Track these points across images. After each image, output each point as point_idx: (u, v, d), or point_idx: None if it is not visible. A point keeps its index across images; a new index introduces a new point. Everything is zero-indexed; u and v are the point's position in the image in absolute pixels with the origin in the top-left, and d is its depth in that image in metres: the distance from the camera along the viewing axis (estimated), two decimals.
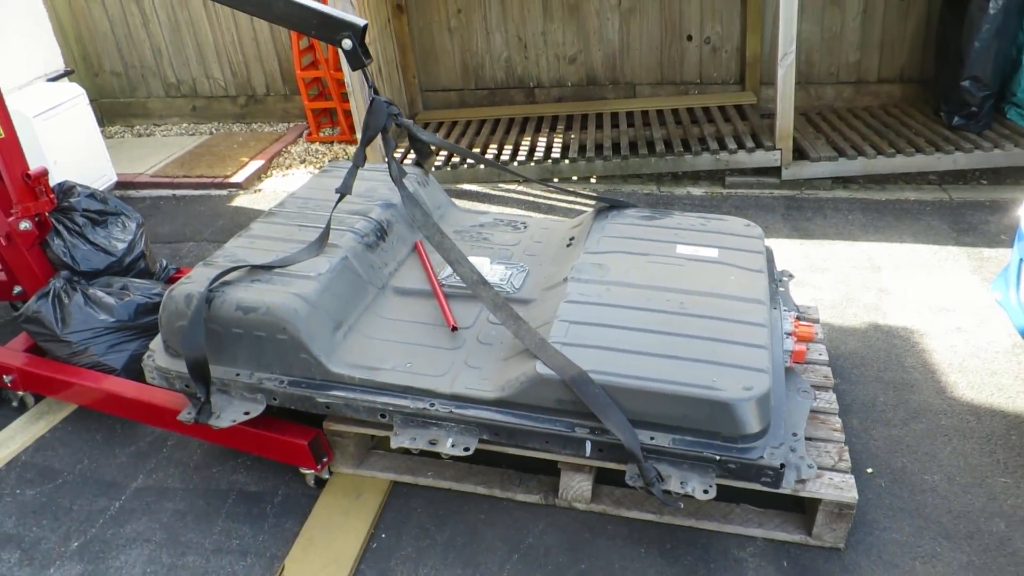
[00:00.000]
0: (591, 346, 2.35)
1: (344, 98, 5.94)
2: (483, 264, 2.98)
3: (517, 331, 2.43)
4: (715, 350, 2.32)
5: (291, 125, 6.59)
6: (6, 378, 3.11)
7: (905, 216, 4.36)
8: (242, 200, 5.26)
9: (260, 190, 5.43)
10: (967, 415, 2.88)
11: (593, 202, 3.28)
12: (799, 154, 4.91)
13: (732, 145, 4.95)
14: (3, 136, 3.07)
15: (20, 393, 3.20)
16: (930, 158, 4.69)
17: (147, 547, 2.55)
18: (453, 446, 2.37)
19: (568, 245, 3.11)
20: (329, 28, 2.58)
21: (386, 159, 2.78)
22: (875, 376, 3.11)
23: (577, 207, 4.72)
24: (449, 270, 2.93)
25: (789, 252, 4.05)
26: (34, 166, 3.22)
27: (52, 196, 3.28)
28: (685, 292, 2.58)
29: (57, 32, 5.73)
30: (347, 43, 2.59)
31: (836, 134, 5.12)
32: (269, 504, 2.69)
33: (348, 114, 6.07)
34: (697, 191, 4.90)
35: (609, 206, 3.23)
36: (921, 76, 5.51)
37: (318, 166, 5.76)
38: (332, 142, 6.21)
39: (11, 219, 3.17)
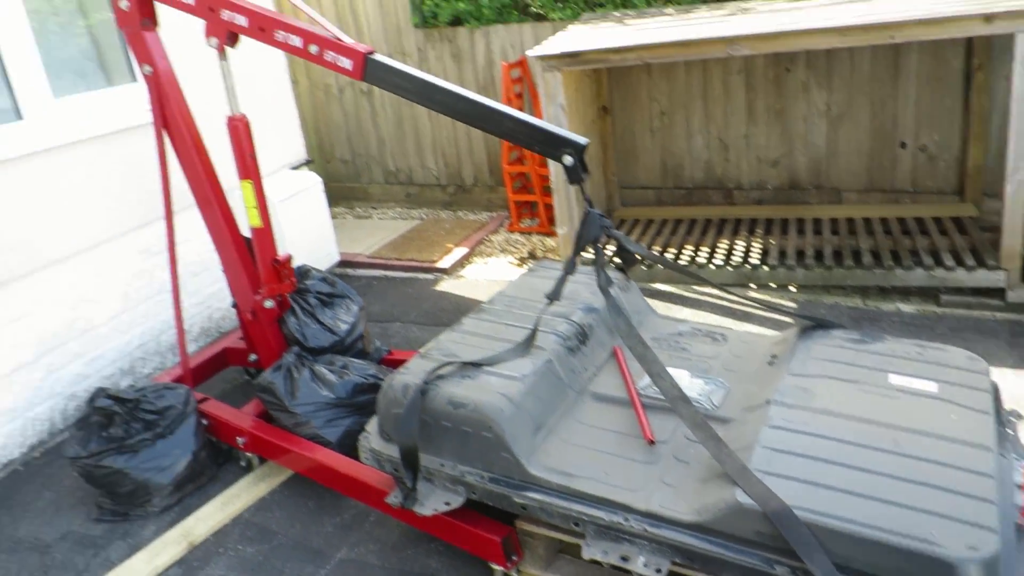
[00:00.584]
0: (796, 479, 2.29)
1: (545, 192, 6.24)
2: (682, 377, 2.99)
3: (717, 454, 2.41)
4: (934, 499, 2.17)
5: (494, 214, 6.98)
6: (239, 440, 3.48)
7: None
8: (446, 285, 5.60)
9: (463, 276, 5.76)
10: None
11: (789, 311, 3.22)
12: None
13: (949, 261, 4.67)
14: (261, 226, 3.50)
15: (248, 455, 3.56)
16: None
17: None
18: (646, 565, 2.36)
19: (770, 363, 3.05)
20: (552, 145, 2.76)
21: (596, 268, 2.89)
22: None
23: (776, 318, 4.61)
24: (647, 379, 2.97)
25: (1015, 386, 3.72)
26: (287, 252, 3.64)
27: (294, 280, 3.69)
28: (899, 429, 2.46)
29: (301, 125, 6.47)
30: (568, 160, 2.75)
31: None
32: None
33: (548, 207, 6.34)
34: (908, 308, 4.64)
35: (815, 324, 3.16)
36: None
37: (517, 256, 6.04)
38: (531, 233, 6.50)
39: (258, 298, 3.59)
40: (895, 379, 2.74)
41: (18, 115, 3.97)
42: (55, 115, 4.08)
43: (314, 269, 3.99)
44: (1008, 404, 3.37)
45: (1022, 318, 4.38)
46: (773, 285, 5.07)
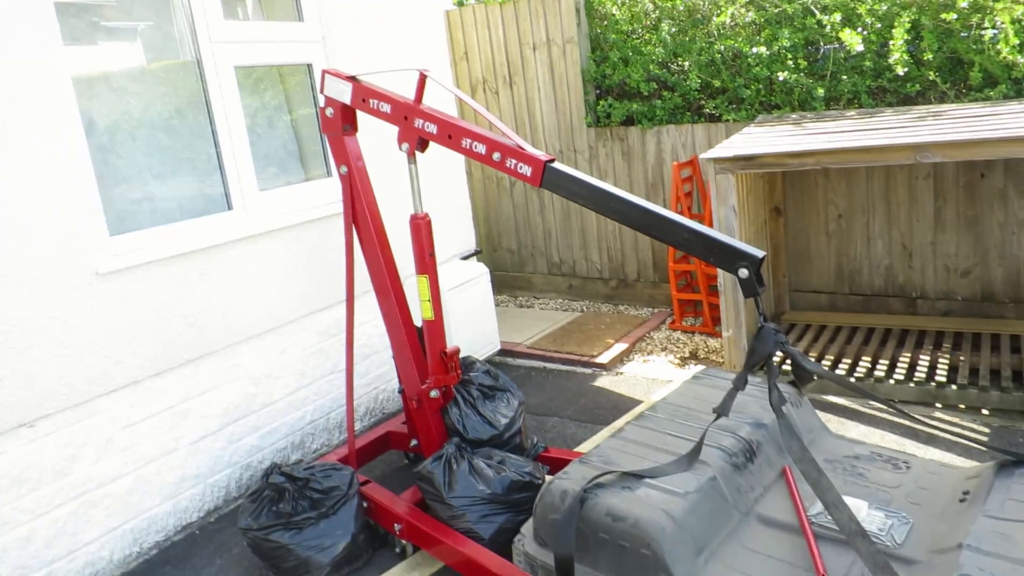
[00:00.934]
0: None
1: (711, 291, 6.12)
2: (860, 507, 2.77)
3: None
4: None
5: (655, 311, 6.91)
6: (396, 526, 3.55)
7: None
8: (604, 380, 5.56)
9: (622, 373, 5.70)
10: None
11: (983, 442, 2.92)
12: None
13: None
14: (433, 319, 3.65)
15: (404, 542, 3.62)
16: None
17: None
18: None
19: (962, 500, 2.78)
20: (728, 258, 2.71)
21: (768, 385, 2.78)
22: None
23: (964, 443, 4.20)
24: (819, 505, 2.78)
25: None
26: (455, 345, 3.77)
27: (460, 372, 3.79)
28: None
29: (472, 216, 6.77)
30: (743, 272, 2.69)
31: None
32: None
33: (713, 307, 6.20)
34: None
35: (1016, 460, 2.85)
36: None
37: (678, 355, 5.91)
38: (694, 332, 6.36)
39: (424, 387, 3.71)
40: None
41: (228, 206, 4.41)
42: (260, 206, 4.50)
43: (479, 361, 4.09)
44: None
45: None
46: (962, 407, 4.64)
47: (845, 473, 3.09)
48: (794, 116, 5.94)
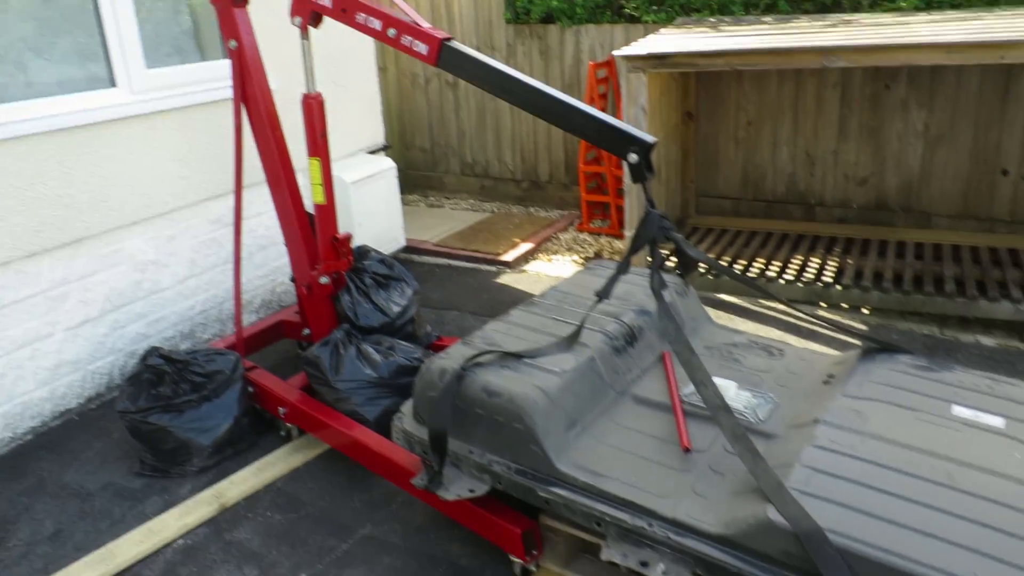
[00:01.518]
0: (834, 502, 2.15)
1: (619, 194, 6.14)
2: (728, 388, 2.87)
3: (753, 468, 2.29)
4: (984, 538, 2.01)
5: (565, 213, 6.92)
6: (281, 409, 3.53)
7: None
8: (507, 278, 5.57)
9: (525, 271, 5.72)
10: None
11: (857, 333, 3.05)
12: None
13: None
14: (324, 203, 3.55)
15: (289, 425, 3.60)
16: None
17: None
18: (664, 573, 2.26)
19: (826, 383, 2.90)
20: (619, 142, 2.69)
21: (650, 269, 2.80)
22: None
23: (843, 339, 4.40)
24: (692, 387, 2.86)
25: None
26: (344, 225, 3.68)
27: (351, 258, 3.72)
28: (955, 462, 2.29)
29: (384, 112, 6.56)
30: (633, 158, 2.67)
31: None
32: None
33: (620, 210, 6.24)
34: (988, 342, 4.36)
35: (880, 348, 2.98)
36: None
37: (582, 255, 5.96)
38: (600, 234, 6.41)
39: (314, 273, 3.64)
40: (959, 411, 2.56)
41: (112, 82, 4.14)
42: (146, 84, 4.23)
43: (374, 250, 4.02)
44: None
45: None
46: (845, 306, 4.84)
47: (722, 358, 3.19)
48: (712, 20, 5.89)
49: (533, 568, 2.74)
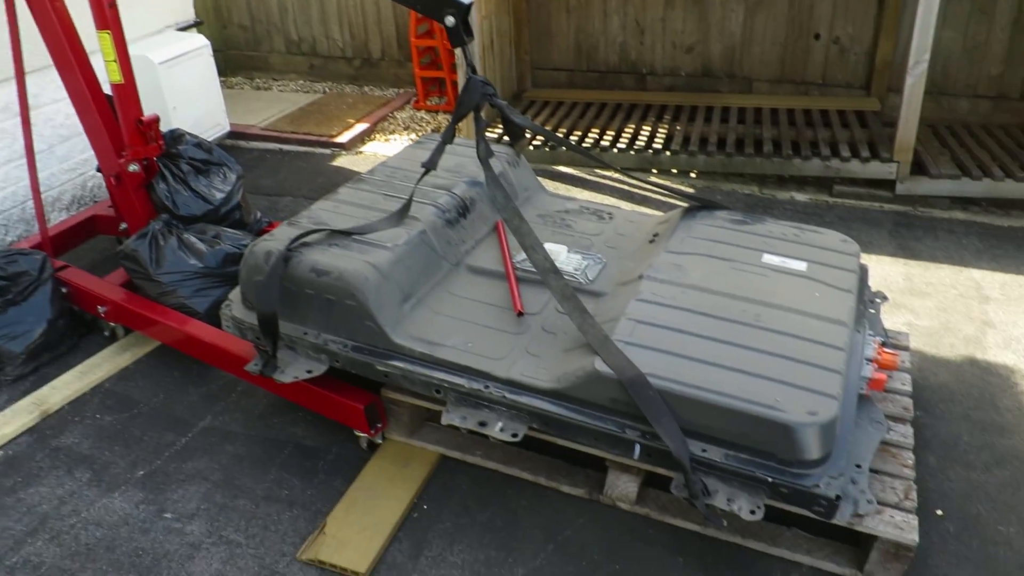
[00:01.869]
0: (655, 349, 2.29)
1: (453, 70, 5.99)
2: (559, 252, 2.93)
3: (581, 324, 2.39)
4: (785, 369, 2.21)
5: (401, 91, 6.69)
6: (101, 308, 3.31)
7: None
8: (343, 161, 5.38)
9: (362, 152, 5.54)
10: None
11: (681, 195, 3.18)
12: (918, 168, 4.61)
13: (846, 152, 4.71)
14: (122, 82, 3.23)
15: (112, 324, 3.39)
16: None
17: (204, 485, 2.67)
18: (502, 430, 2.36)
19: (651, 241, 3.03)
20: (435, 5, 2.58)
21: (475, 137, 2.77)
22: (963, 414, 2.91)
23: (673, 202, 4.60)
24: (525, 254, 2.91)
25: (890, 272, 3.83)
26: (157, 111, 3.39)
27: (161, 142, 3.44)
28: (764, 304, 2.48)
29: None
30: (450, 20, 2.58)
31: (963, 151, 4.78)
32: (322, 461, 2.76)
33: (456, 85, 6.10)
34: (801, 197, 4.69)
35: (701, 206, 3.13)
36: None
37: (420, 133, 5.83)
38: (438, 111, 6.27)
39: (122, 161, 3.35)
40: (768, 258, 2.75)
41: None
42: None
43: (188, 134, 3.74)
44: (877, 287, 3.47)
45: (907, 209, 4.48)
46: (674, 171, 5.04)
47: (554, 225, 3.24)
48: None
49: (379, 441, 2.79)
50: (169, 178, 3.50)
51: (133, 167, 3.37)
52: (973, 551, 2.37)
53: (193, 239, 3.31)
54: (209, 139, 4.37)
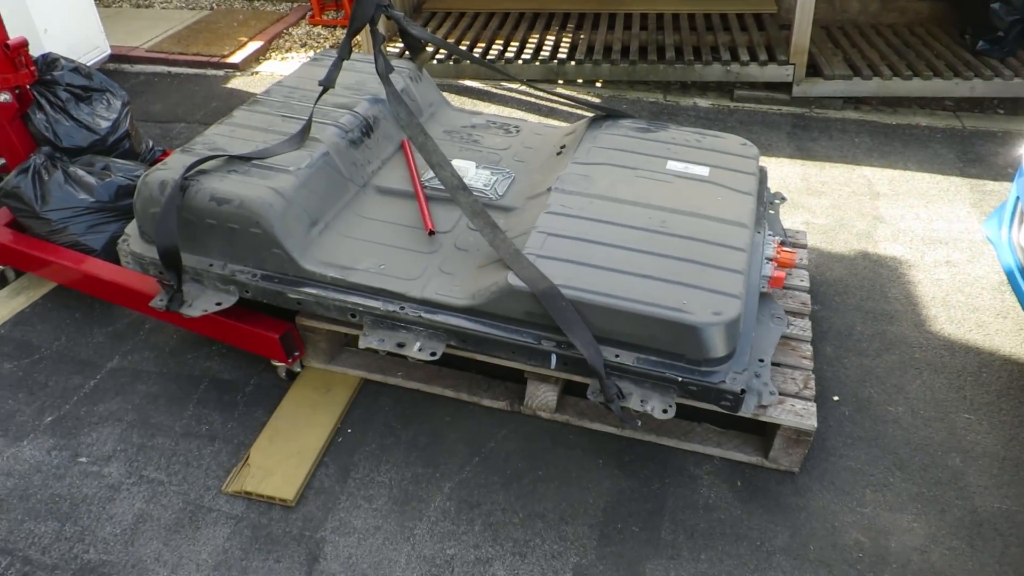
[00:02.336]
0: (565, 260, 2.33)
1: None
2: (468, 168, 2.91)
3: (493, 240, 2.40)
4: (690, 272, 2.29)
5: (295, 6, 6.36)
6: None
7: (913, 142, 4.24)
8: (238, 82, 5.13)
9: (257, 72, 5.29)
10: (941, 349, 2.88)
11: (587, 105, 3.18)
12: (813, 70, 4.74)
13: (745, 57, 4.77)
14: None
15: (1, 267, 3.21)
16: (948, 83, 4.52)
17: (118, 426, 2.61)
18: (420, 350, 2.37)
19: (558, 154, 3.03)
20: None
21: (373, 52, 2.68)
22: (856, 305, 3.10)
23: (579, 112, 4.59)
24: (433, 172, 2.87)
25: (788, 173, 3.96)
26: (24, 34, 3.12)
27: (33, 68, 3.19)
28: (669, 210, 2.53)
29: None
30: None
31: (855, 51, 4.92)
32: (240, 393, 2.73)
33: None
34: (704, 103, 4.76)
35: (606, 115, 3.14)
36: None
37: (319, 50, 5.59)
38: (335, 26, 6.01)
39: None
40: (672, 165, 2.80)
41: None
42: None
43: (63, 58, 3.47)
44: (776, 188, 3.60)
45: (804, 111, 4.61)
46: (579, 80, 5.02)
47: (461, 141, 3.20)
48: None
49: (297, 369, 2.77)
50: (47, 107, 3.27)
51: (4, 96, 3.12)
52: (866, 431, 2.57)
53: (80, 172, 3.13)
54: (88, 64, 4.09)
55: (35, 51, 3.30)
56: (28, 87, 3.22)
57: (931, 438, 2.54)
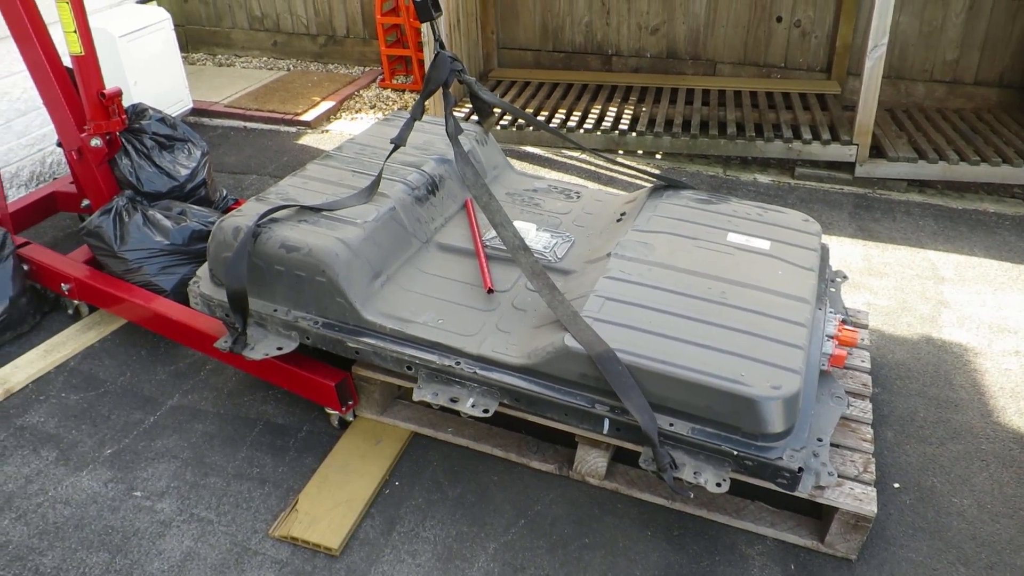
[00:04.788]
0: (623, 325, 2.33)
1: (420, 48, 5.94)
2: (528, 230, 2.96)
3: (551, 301, 2.42)
4: (749, 344, 2.27)
5: (366, 69, 6.63)
6: (64, 286, 3.25)
7: (980, 228, 4.17)
8: (309, 139, 5.33)
9: (328, 131, 5.49)
10: (1010, 442, 2.77)
11: (648, 174, 3.22)
12: (877, 151, 4.72)
13: (807, 135, 4.79)
14: (83, 54, 3.16)
15: (76, 302, 3.34)
16: (1017, 170, 4.46)
17: (174, 463, 2.66)
18: (473, 406, 2.38)
19: (618, 220, 3.07)
20: None
21: (444, 114, 2.77)
22: (919, 390, 3.01)
23: (638, 182, 4.65)
24: (494, 232, 2.93)
25: (850, 252, 3.92)
26: (116, 85, 3.32)
27: (124, 116, 3.38)
28: (729, 282, 2.53)
29: None
30: None
31: (920, 134, 4.90)
32: (292, 438, 2.76)
33: (422, 64, 6.06)
34: (764, 179, 4.77)
35: (666, 185, 3.17)
36: (1022, 82, 5.22)
37: (387, 112, 5.79)
38: (404, 90, 6.23)
39: (83, 135, 3.28)
40: (733, 237, 2.80)
41: None
42: None
43: (152, 109, 3.67)
44: (837, 267, 3.56)
45: (866, 192, 4.59)
46: (639, 151, 5.08)
47: (523, 203, 3.27)
48: None
49: (350, 418, 2.80)
50: (132, 153, 3.44)
51: (96, 142, 3.30)
52: (928, 522, 2.47)
53: (159, 216, 3.27)
54: (172, 115, 4.30)
55: (126, 101, 3.49)
56: (118, 134, 3.40)
57: (999, 535, 2.43)
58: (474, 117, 3.52)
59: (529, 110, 5.40)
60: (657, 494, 2.51)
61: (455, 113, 2.90)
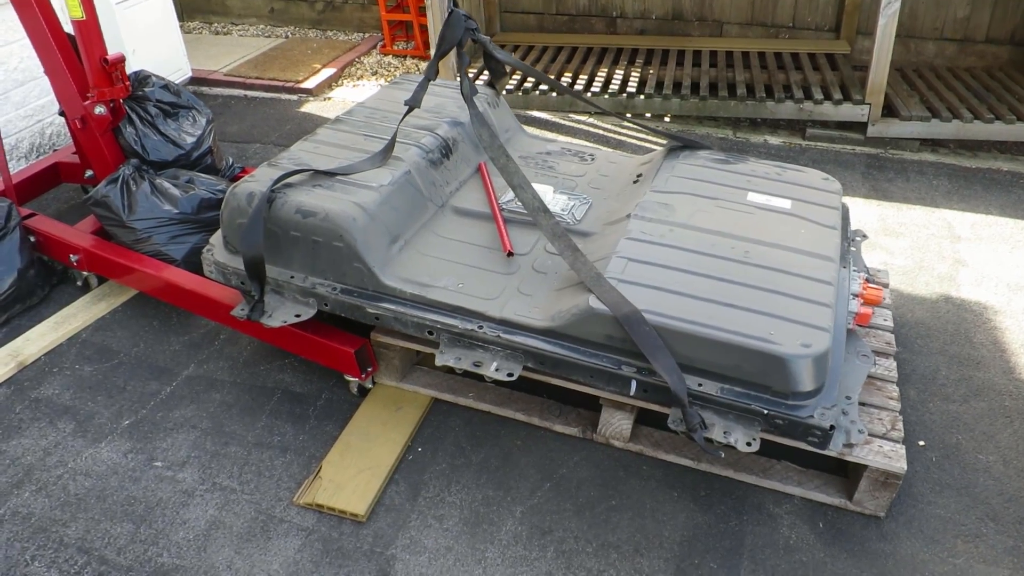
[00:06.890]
0: (647, 285, 2.29)
1: (421, 12, 5.83)
2: (546, 192, 2.91)
3: (574, 263, 2.38)
4: (776, 303, 2.23)
5: (366, 35, 6.52)
6: (72, 257, 3.20)
7: (994, 187, 4.12)
8: (311, 107, 5.24)
9: (330, 98, 5.40)
10: None
11: (665, 141, 3.17)
12: (888, 111, 4.66)
13: (818, 95, 4.72)
14: (84, 18, 3.07)
15: (84, 273, 3.29)
16: None
17: (193, 433, 2.63)
18: (497, 370, 2.35)
19: (635, 182, 3.02)
20: None
21: (458, 75, 2.71)
22: (940, 349, 2.99)
23: (648, 144, 4.58)
24: (510, 195, 2.88)
25: (864, 212, 3.88)
26: (112, 53, 3.24)
27: (127, 83, 3.30)
28: (752, 241, 2.49)
29: None
30: None
31: (932, 93, 4.83)
32: (312, 406, 2.74)
33: (424, 29, 5.96)
34: (775, 140, 4.71)
35: (682, 146, 3.12)
36: None
37: (388, 79, 5.70)
38: (405, 56, 6.13)
39: (87, 103, 3.21)
40: (753, 196, 2.76)
41: None
42: None
43: (154, 76, 3.59)
44: (855, 226, 3.52)
45: (878, 152, 4.53)
46: (648, 114, 5.01)
47: (537, 166, 3.21)
48: None
49: (369, 385, 2.77)
50: (137, 121, 3.37)
51: (99, 109, 3.23)
52: (955, 478, 2.46)
53: (166, 184, 3.21)
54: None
55: (126, 69, 3.42)
56: (122, 101, 3.32)
57: None
58: (483, 78, 3.45)
59: None
60: (683, 455, 2.50)
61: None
